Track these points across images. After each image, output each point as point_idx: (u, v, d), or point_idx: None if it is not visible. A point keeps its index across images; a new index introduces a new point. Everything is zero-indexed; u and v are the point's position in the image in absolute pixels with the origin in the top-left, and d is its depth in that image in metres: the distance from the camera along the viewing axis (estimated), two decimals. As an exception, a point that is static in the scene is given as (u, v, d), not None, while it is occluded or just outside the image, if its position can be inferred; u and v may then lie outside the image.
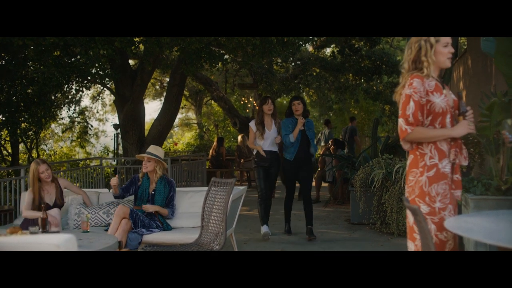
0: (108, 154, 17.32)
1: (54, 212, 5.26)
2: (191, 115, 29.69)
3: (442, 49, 3.21)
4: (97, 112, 22.36)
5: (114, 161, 11.78)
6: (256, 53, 6.95)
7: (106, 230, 5.31)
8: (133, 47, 6.65)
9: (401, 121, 3.13)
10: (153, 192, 5.49)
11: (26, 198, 5.35)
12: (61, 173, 8.64)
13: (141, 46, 7.99)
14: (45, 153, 14.13)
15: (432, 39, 3.21)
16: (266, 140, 6.80)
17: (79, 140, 15.31)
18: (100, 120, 23.05)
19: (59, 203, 5.48)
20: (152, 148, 5.60)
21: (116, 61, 7.81)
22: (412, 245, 3.20)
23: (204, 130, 24.22)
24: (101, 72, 8.29)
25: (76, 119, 14.52)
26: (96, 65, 7.57)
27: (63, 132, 15.03)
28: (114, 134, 13.13)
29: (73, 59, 7.85)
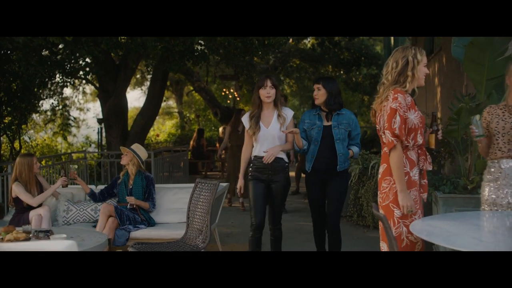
0: (90, 145, 17.41)
1: (43, 210, 5.45)
2: (172, 103, 29.74)
3: (423, 68, 3.46)
4: (78, 101, 22.31)
5: (98, 154, 11.92)
6: (238, 52, 7.14)
7: (94, 226, 5.53)
8: (118, 50, 6.80)
9: (387, 133, 3.36)
10: (131, 187, 5.72)
11: (20, 189, 5.43)
12: (43, 167, 8.76)
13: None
14: (27, 145, 14.19)
15: (418, 55, 3.44)
16: (263, 141, 4.62)
17: (61, 132, 15.39)
18: (80, 109, 23.00)
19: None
20: (135, 146, 5.87)
21: (101, 58, 7.97)
22: (386, 246, 3.48)
23: (185, 120, 24.35)
24: (87, 69, 8.42)
25: (58, 110, 14.59)
26: (80, 61, 7.70)
27: (45, 124, 15.11)
28: (98, 128, 13.30)
29: (58, 57, 7.97)
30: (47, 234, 4.46)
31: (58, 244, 2.62)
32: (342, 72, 18.84)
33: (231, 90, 19.08)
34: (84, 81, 14.84)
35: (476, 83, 5.01)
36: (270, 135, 4.61)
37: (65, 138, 15.95)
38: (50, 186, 5.87)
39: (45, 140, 16.25)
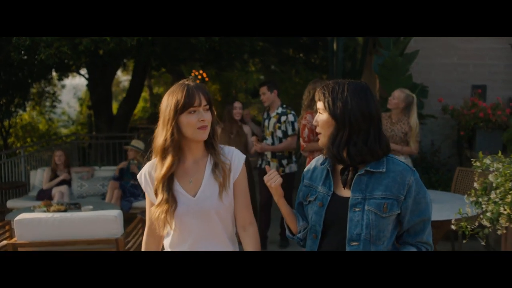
0: (72, 123, 18.71)
1: (64, 188, 7.15)
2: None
3: None
4: (53, 79, 23.37)
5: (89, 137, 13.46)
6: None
7: (103, 198, 7.25)
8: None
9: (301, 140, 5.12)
10: (133, 171, 7.43)
11: (45, 174, 7.35)
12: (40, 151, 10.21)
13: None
14: (16, 125, 15.43)
15: None
16: (189, 224, 2.26)
17: (48, 112, 16.74)
18: (54, 85, 24.04)
19: (66, 180, 7.43)
20: (134, 142, 7.58)
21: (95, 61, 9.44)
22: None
23: (155, 95, 25.58)
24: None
25: (48, 96, 15.94)
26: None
27: (33, 106, 16.33)
28: (88, 114, 14.85)
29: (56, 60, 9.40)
30: (76, 206, 6.14)
31: (112, 212, 4.26)
32: (301, 55, 20.57)
33: (200, 71, 20.46)
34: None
35: (388, 95, 6.82)
36: (200, 211, 2.25)
37: (50, 119, 17.26)
38: (81, 168, 7.85)
39: (30, 119, 17.44)
